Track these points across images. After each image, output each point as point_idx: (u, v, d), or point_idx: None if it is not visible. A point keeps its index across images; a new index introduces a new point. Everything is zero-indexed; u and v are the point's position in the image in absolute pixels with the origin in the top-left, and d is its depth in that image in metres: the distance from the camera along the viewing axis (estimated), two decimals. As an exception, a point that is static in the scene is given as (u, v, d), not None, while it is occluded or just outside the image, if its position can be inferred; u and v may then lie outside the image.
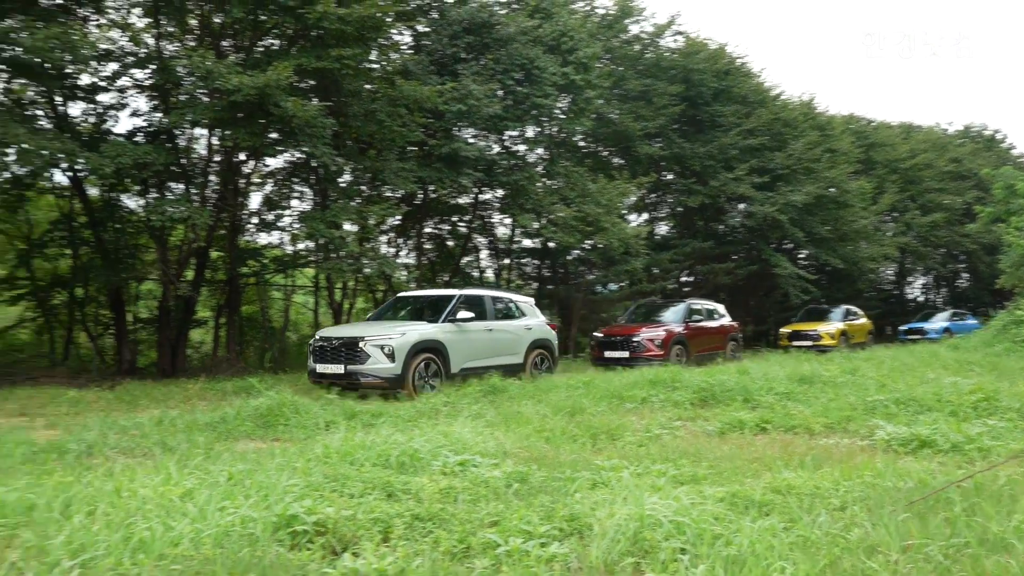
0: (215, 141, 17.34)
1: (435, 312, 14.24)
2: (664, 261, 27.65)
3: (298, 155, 18.22)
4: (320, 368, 12.87)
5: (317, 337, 13.51)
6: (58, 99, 16.25)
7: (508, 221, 24.79)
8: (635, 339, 18.41)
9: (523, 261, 28.00)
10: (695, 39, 29.10)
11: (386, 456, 6.08)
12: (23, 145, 13.22)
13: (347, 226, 18.14)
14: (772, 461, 6.38)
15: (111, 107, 17.08)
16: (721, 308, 22.04)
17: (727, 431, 8.37)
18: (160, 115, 16.64)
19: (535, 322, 15.87)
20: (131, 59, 16.20)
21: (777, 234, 29.86)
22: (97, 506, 4.46)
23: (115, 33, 16.46)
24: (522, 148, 22.96)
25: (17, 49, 13.24)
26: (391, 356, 12.42)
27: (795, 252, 32.66)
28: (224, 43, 17.15)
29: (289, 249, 21.42)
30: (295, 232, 20.20)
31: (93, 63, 15.38)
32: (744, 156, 28.01)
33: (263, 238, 21.19)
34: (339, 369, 12.63)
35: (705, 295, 26.40)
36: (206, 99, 15.44)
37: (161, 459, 6.13)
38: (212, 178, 17.95)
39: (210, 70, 13.92)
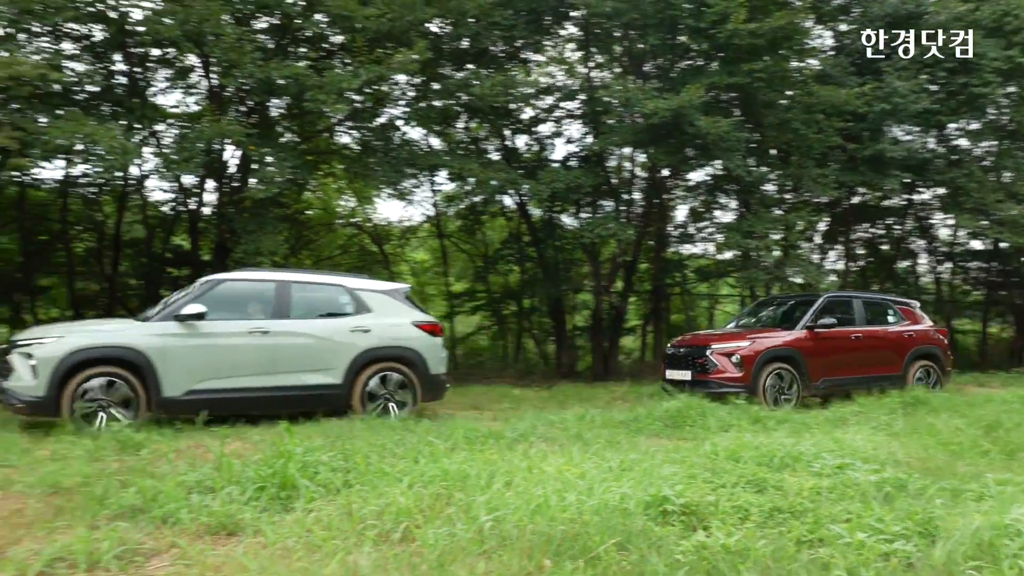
0: (639, 160, 18.60)
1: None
2: None
3: (719, 168, 18.82)
4: None
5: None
6: (506, 133, 18.69)
7: (950, 222, 22.97)
8: (703, 354, 12.40)
9: (968, 265, 25.64)
10: None
11: (770, 456, 6.40)
12: (477, 177, 15.53)
13: (772, 235, 18.29)
14: None
15: (548, 137, 19.20)
16: (913, 304, 14.53)
17: None
18: (590, 140, 18.29)
19: (385, 323, 10.22)
20: (564, 91, 18.08)
21: None
22: (513, 478, 5.46)
23: (552, 68, 18.52)
24: (964, 142, 21.21)
25: (472, 95, 15.52)
26: (34, 371, 8.56)
27: None
28: (646, 67, 18.33)
29: (713, 258, 22.11)
30: (717, 243, 20.85)
31: (533, 99, 17.44)
32: None
33: (688, 249, 22.14)
34: None
35: None
36: (628, 122, 16.68)
37: (570, 447, 7.10)
38: (637, 195, 19.25)
39: (629, 96, 15.08)
